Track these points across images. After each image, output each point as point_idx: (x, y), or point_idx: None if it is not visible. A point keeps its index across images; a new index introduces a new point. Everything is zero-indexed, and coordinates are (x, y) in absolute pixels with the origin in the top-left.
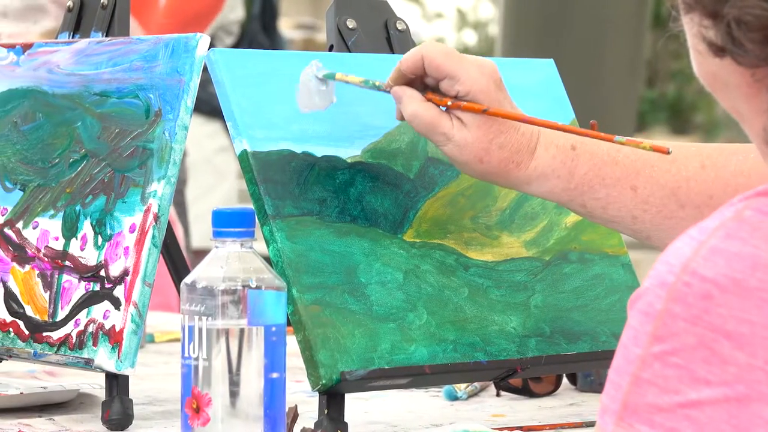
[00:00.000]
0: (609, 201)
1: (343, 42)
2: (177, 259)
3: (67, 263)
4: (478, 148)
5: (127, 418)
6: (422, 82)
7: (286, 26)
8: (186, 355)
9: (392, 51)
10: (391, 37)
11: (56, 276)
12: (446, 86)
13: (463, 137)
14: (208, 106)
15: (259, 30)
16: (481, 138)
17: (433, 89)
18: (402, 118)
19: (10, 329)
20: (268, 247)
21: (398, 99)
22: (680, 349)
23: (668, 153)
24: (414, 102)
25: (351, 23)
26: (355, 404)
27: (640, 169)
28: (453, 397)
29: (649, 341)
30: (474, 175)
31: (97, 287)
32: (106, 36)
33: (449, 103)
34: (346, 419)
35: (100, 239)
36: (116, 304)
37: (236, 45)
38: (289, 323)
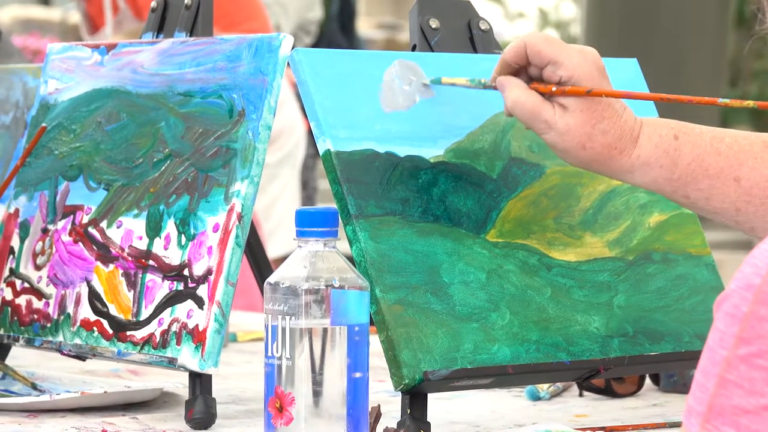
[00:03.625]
0: (712, 192)
1: (426, 42)
2: (260, 259)
3: (151, 262)
4: (581, 134)
5: (210, 417)
6: (527, 73)
7: (367, 26)
8: (269, 354)
9: (475, 51)
10: (474, 37)
11: (140, 275)
12: (549, 73)
13: (566, 123)
14: None
15: (338, 30)
16: (584, 123)
17: (538, 80)
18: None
19: (94, 328)
20: (351, 246)
21: (502, 88)
22: (766, 351)
23: None
24: (517, 89)
25: (434, 23)
26: (437, 404)
27: (743, 160)
28: (535, 397)
29: (735, 343)
30: (577, 164)
31: (181, 286)
32: (190, 36)
33: (554, 89)
34: (428, 419)
35: (183, 239)
36: (200, 303)
37: (314, 45)
38: (371, 323)
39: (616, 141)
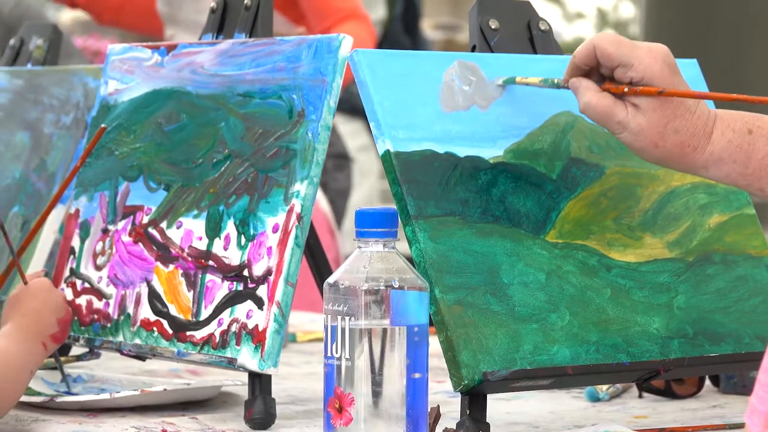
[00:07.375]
0: None
1: (485, 42)
2: (319, 259)
3: (211, 263)
4: (654, 133)
5: (269, 417)
6: (598, 73)
7: (426, 27)
8: (329, 354)
9: (535, 51)
10: (534, 38)
11: (200, 275)
12: (620, 74)
13: (639, 123)
14: (348, 104)
15: (401, 30)
16: (657, 122)
17: (610, 80)
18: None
19: (154, 328)
20: (410, 247)
21: (575, 90)
22: None
23: None
24: (589, 92)
25: (494, 24)
26: (496, 405)
27: None
28: (595, 398)
29: None
30: (652, 161)
31: (241, 287)
32: (250, 37)
33: (626, 89)
34: (487, 420)
35: (243, 239)
36: (259, 303)
37: (378, 45)
38: (431, 323)
39: (688, 139)
